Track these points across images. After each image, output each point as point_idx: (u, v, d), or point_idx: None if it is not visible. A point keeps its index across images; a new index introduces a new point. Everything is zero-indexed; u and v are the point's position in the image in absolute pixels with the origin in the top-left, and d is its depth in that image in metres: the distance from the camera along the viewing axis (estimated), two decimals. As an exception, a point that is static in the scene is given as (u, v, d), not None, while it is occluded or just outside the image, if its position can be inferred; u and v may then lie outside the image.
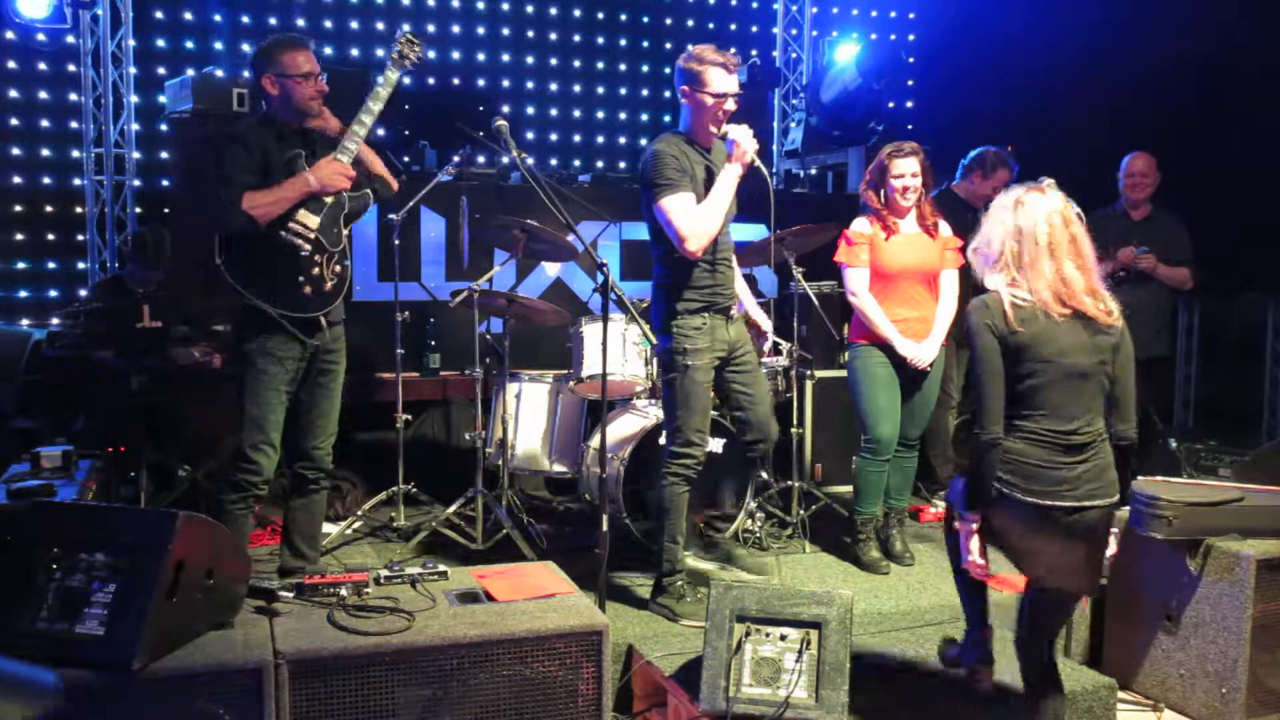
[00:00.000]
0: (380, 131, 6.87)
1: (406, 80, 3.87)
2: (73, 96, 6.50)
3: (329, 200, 3.68)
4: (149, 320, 4.77)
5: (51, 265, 6.56)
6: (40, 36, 6.34)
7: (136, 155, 6.48)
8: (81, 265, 6.52)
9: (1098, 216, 5.38)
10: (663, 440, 3.99)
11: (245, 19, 6.83)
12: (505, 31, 7.73)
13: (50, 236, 6.54)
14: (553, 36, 7.90)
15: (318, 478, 3.93)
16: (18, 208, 6.46)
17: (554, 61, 7.91)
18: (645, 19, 8.21)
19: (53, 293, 6.52)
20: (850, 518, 4.65)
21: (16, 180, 6.46)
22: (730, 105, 3.71)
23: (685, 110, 3.80)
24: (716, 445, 4.59)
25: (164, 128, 6.53)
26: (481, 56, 7.66)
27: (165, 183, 6.62)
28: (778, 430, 4.11)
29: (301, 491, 3.93)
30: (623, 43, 8.08)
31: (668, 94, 7.95)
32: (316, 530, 4.02)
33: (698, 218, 3.65)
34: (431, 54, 7.43)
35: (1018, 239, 2.91)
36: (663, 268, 3.84)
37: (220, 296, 3.89)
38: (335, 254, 3.74)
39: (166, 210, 6.33)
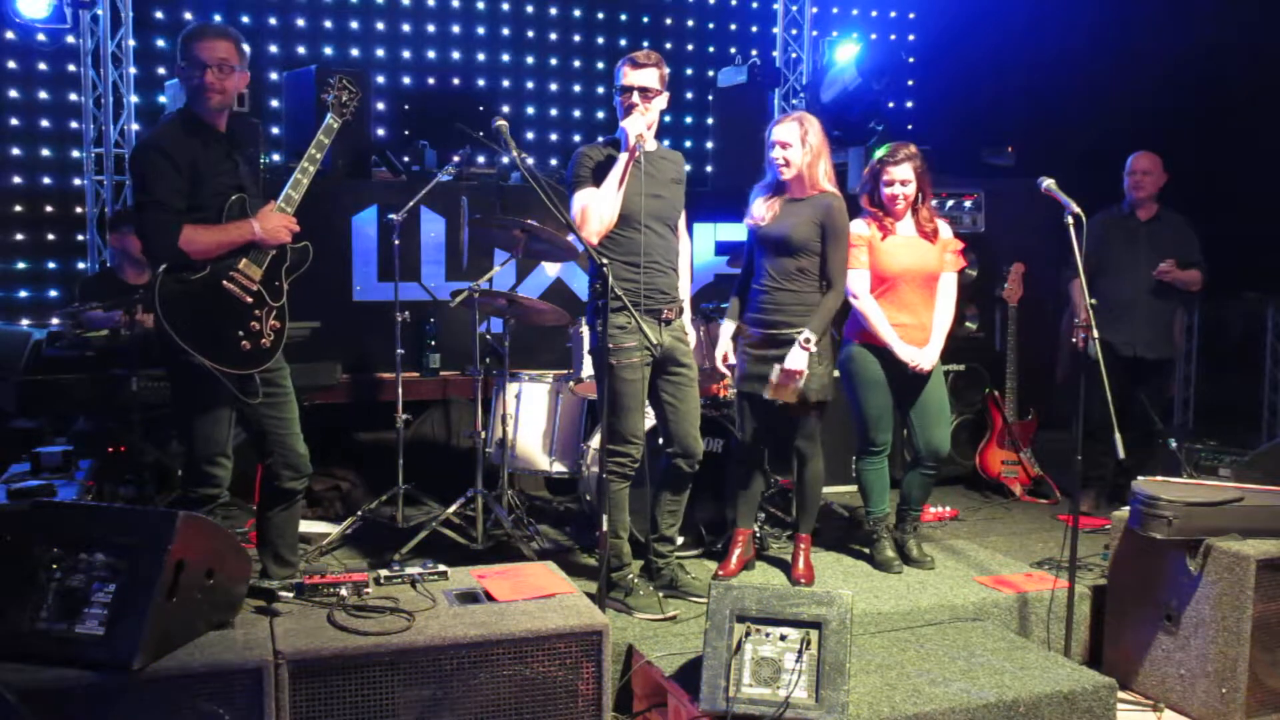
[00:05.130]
0: (380, 132, 6.90)
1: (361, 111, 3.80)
2: (73, 96, 6.49)
3: (271, 252, 3.52)
4: (142, 315, 4.74)
5: (51, 265, 6.55)
6: (40, 36, 6.33)
7: (136, 155, 6.47)
8: (81, 265, 6.51)
9: (1103, 218, 5.36)
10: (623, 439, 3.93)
11: (245, 19, 6.83)
12: (505, 31, 7.72)
13: (50, 236, 6.53)
14: (553, 36, 7.90)
15: (301, 482, 3.72)
16: (18, 208, 6.45)
17: (554, 61, 7.91)
18: (645, 19, 8.20)
19: (53, 293, 6.51)
20: (853, 518, 4.62)
21: (16, 180, 6.45)
22: (635, 98, 3.85)
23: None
24: (715, 445, 4.60)
25: (164, 127, 6.53)
26: (481, 56, 7.65)
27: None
28: (702, 449, 4.10)
29: (283, 500, 3.71)
30: (623, 43, 8.07)
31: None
32: (296, 536, 3.85)
33: (591, 203, 3.84)
34: (431, 54, 7.42)
35: None
36: (593, 265, 3.87)
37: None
38: (276, 308, 3.56)
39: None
